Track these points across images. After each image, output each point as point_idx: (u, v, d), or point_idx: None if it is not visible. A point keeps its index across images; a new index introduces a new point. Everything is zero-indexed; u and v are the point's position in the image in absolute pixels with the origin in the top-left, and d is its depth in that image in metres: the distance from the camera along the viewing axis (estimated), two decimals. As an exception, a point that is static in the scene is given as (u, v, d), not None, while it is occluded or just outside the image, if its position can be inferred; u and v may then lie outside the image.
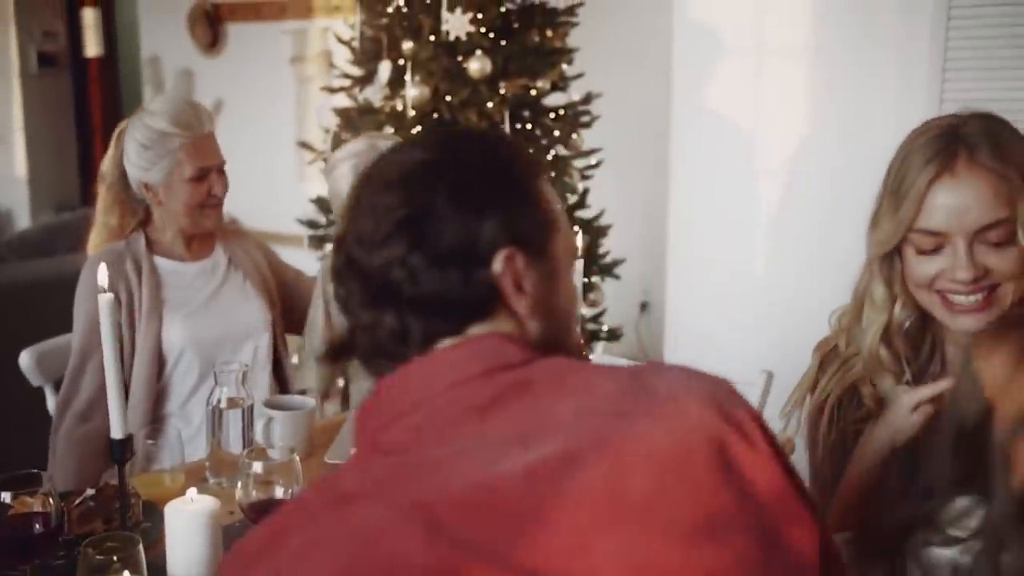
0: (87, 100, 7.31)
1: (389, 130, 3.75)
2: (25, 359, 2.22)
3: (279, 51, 5.91)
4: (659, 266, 4.27)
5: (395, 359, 0.94)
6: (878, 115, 3.34)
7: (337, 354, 1.02)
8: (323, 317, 2.27)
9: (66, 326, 2.30)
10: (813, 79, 3.53)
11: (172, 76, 6.54)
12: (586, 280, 3.93)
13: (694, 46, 3.73)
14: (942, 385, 1.33)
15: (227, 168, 2.27)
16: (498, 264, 0.93)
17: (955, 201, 1.30)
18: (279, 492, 1.43)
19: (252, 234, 2.52)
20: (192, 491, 1.43)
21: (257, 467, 1.41)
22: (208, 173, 2.21)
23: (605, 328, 4.13)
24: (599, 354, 3.97)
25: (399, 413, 0.90)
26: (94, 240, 2.30)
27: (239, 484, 1.42)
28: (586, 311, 4.01)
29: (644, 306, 4.94)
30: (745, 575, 0.79)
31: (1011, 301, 1.32)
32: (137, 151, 2.19)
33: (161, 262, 2.27)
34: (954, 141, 1.33)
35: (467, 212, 0.93)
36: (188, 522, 1.40)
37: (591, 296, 3.93)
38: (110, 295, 1.38)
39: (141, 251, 2.24)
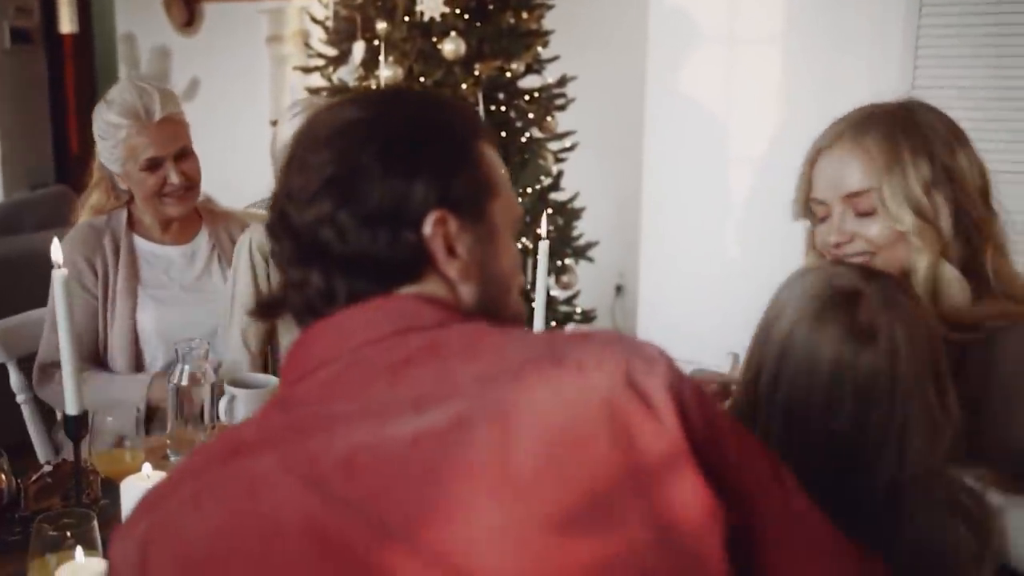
0: (61, 77, 7.23)
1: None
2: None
3: (255, 30, 5.86)
4: (633, 249, 4.28)
5: (323, 317, 0.93)
6: (850, 102, 3.35)
7: (268, 310, 1.02)
8: (251, 284, 2.18)
9: (33, 303, 2.29)
10: (786, 66, 3.54)
11: (147, 54, 6.49)
12: (560, 262, 3.93)
13: (669, 31, 3.74)
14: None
15: (201, 149, 2.24)
16: (428, 226, 0.91)
17: (830, 171, 1.39)
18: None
19: (239, 215, 2.49)
20: (147, 467, 1.43)
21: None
22: (161, 162, 2.17)
23: (579, 310, 4.13)
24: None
25: (310, 368, 0.90)
26: (80, 217, 2.30)
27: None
28: (559, 293, 4.01)
29: (619, 289, 4.95)
30: (636, 561, 0.77)
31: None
32: (98, 140, 2.20)
33: (140, 242, 2.27)
34: (854, 121, 1.40)
35: (397, 172, 0.91)
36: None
37: (564, 278, 3.93)
38: (64, 271, 1.37)
39: (121, 228, 2.24)
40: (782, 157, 3.55)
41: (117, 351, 2.20)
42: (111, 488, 1.61)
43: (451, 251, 0.93)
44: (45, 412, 2.27)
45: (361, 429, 0.82)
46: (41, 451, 2.23)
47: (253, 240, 2.17)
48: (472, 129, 0.99)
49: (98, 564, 1.25)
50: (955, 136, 1.39)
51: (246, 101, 5.86)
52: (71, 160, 7.07)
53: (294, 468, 0.81)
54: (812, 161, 1.42)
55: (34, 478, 1.54)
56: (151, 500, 0.88)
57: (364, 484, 0.79)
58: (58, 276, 1.35)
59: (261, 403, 1.89)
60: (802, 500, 0.90)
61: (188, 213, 2.27)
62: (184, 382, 1.78)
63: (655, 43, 3.65)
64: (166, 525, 0.84)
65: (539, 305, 2.06)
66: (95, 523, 1.30)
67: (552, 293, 3.97)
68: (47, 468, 1.57)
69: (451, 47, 3.55)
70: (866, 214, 1.37)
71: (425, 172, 0.92)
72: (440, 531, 0.77)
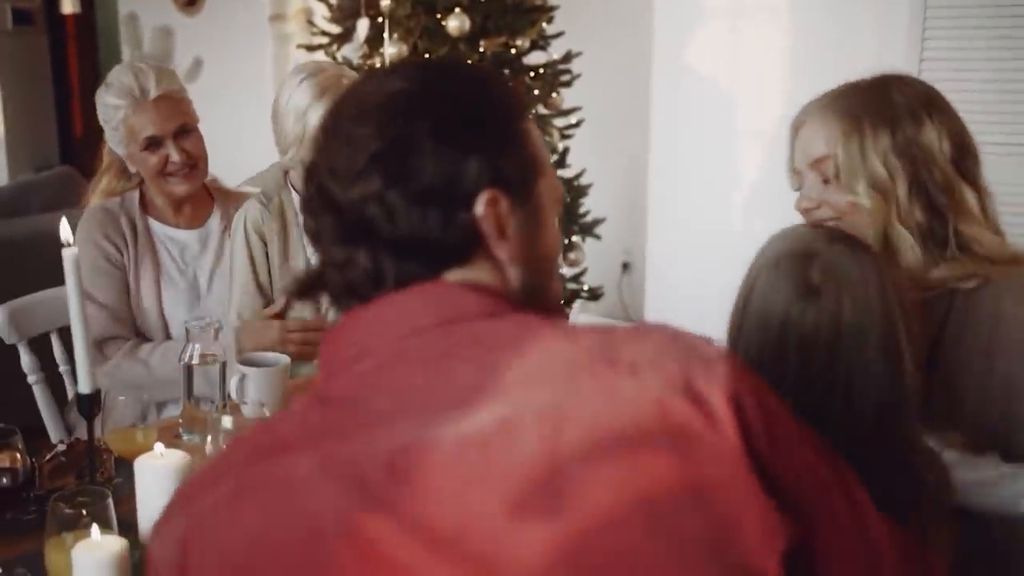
0: (64, 58, 7.21)
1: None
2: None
3: (258, 9, 5.84)
4: (640, 226, 4.27)
5: (366, 300, 0.89)
6: (857, 73, 3.33)
7: (307, 288, 0.95)
8: (248, 264, 2.19)
9: (40, 284, 2.29)
10: (793, 39, 3.52)
11: (150, 34, 6.47)
12: (566, 240, 3.93)
13: (675, 5, 3.71)
14: None
15: (204, 129, 2.22)
16: (480, 206, 0.87)
17: (803, 141, 1.47)
18: (249, 447, 1.43)
19: (250, 195, 2.46)
20: (159, 446, 1.43)
21: (227, 422, 1.41)
22: (161, 141, 2.16)
23: (586, 287, 4.13)
24: (577, 312, 3.98)
25: (347, 360, 0.86)
26: (91, 202, 2.30)
27: (209, 439, 1.42)
28: (567, 270, 4.01)
29: (626, 266, 4.94)
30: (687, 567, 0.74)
31: None
32: (103, 125, 2.20)
33: (155, 225, 2.27)
34: (829, 95, 1.47)
35: (450, 149, 0.86)
36: (157, 476, 1.40)
37: (571, 255, 3.93)
38: (75, 250, 1.37)
39: (135, 210, 2.24)
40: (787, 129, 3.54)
41: (146, 330, 2.22)
42: (124, 467, 1.62)
43: (502, 232, 0.88)
44: (57, 393, 2.27)
45: (403, 429, 0.78)
46: (53, 432, 2.24)
47: (248, 218, 2.18)
48: (518, 105, 0.95)
49: (114, 542, 1.25)
50: (926, 107, 1.42)
51: (249, 80, 5.84)
52: (75, 142, 7.07)
53: (334, 470, 0.77)
54: (793, 135, 1.50)
55: (48, 457, 1.55)
56: (188, 495, 0.86)
57: (406, 488, 0.75)
58: (69, 255, 1.35)
59: (272, 382, 1.89)
60: (870, 513, 0.86)
61: (196, 192, 2.26)
62: (195, 361, 1.78)
63: (661, 18, 3.63)
64: (204, 525, 0.82)
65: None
66: (110, 501, 1.30)
67: (560, 271, 3.96)
68: (61, 447, 1.57)
69: (455, 23, 3.54)
70: (829, 181, 1.43)
71: (478, 149, 0.87)
72: (485, 538, 0.74)
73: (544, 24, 3.81)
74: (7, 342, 2.23)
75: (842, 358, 1.11)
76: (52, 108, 7.18)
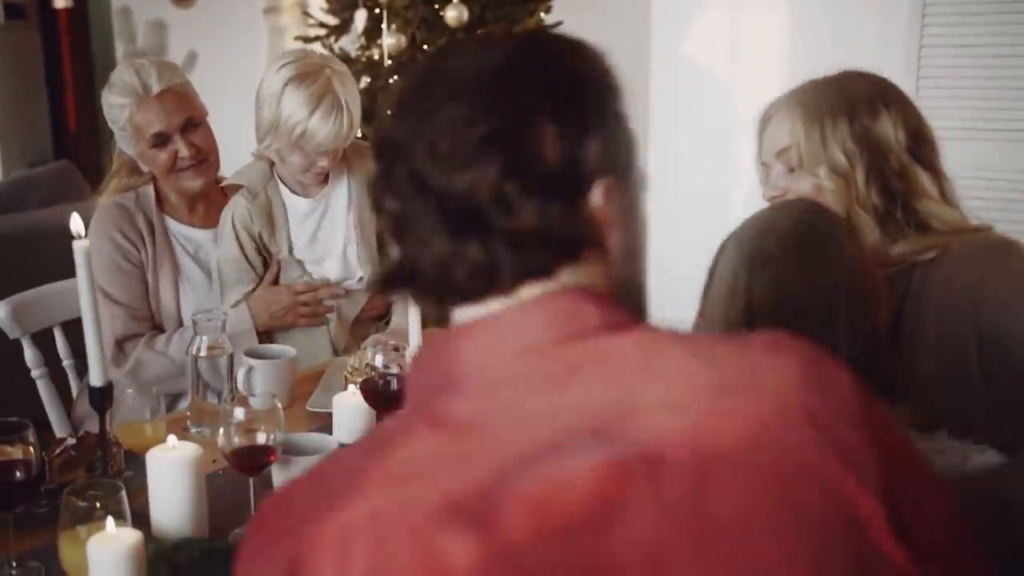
0: (57, 52, 7.18)
1: (361, 81, 3.71)
2: (1, 312, 2.20)
3: (253, 2, 5.81)
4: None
5: (471, 299, 0.81)
6: (857, 63, 3.33)
7: (392, 284, 0.85)
8: (241, 259, 2.16)
9: (40, 279, 2.28)
10: (793, 27, 3.52)
11: (143, 28, 6.43)
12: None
13: (673, -7, 3.70)
14: None
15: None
16: (598, 195, 0.80)
17: (769, 134, 1.56)
18: (261, 438, 1.42)
19: None
20: (172, 438, 1.43)
21: (239, 414, 1.41)
22: (169, 137, 2.13)
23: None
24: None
25: (459, 378, 0.77)
26: (103, 197, 2.26)
27: (221, 431, 1.41)
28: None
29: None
30: None
31: None
32: (110, 125, 2.17)
33: (171, 224, 2.24)
34: (794, 91, 1.56)
35: (570, 131, 0.78)
36: (170, 469, 1.40)
37: (570, 246, 3.93)
38: (85, 242, 1.36)
39: (151, 207, 2.21)
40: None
41: (166, 325, 2.20)
42: (133, 460, 1.61)
43: (613, 224, 0.81)
44: (62, 387, 2.27)
45: (532, 460, 0.70)
46: (58, 426, 2.23)
47: (236, 215, 2.16)
48: (616, 79, 0.86)
49: (129, 534, 1.25)
50: (882, 99, 1.50)
51: (244, 74, 5.80)
52: (69, 136, 7.04)
53: (459, 508, 0.68)
54: (762, 129, 1.59)
55: (58, 451, 1.54)
56: (290, 523, 0.75)
57: (540, 527, 0.67)
58: (80, 247, 1.34)
59: (280, 374, 1.89)
60: (972, 539, 0.80)
61: (210, 190, 2.23)
62: (203, 353, 1.77)
63: (659, 8, 3.62)
64: (315, 567, 0.71)
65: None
66: (123, 494, 1.30)
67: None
68: (71, 441, 1.57)
69: (454, 14, 3.53)
70: (793, 170, 1.52)
71: (594, 132, 0.79)
72: None
73: (542, 14, 3.80)
74: (10, 337, 2.22)
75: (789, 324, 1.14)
76: (45, 103, 7.14)
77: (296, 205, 2.17)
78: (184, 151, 2.14)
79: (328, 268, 2.19)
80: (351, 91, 2.07)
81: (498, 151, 0.77)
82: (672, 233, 3.79)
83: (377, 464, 0.73)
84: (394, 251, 0.83)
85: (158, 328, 2.19)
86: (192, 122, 2.16)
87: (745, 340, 0.79)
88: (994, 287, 1.40)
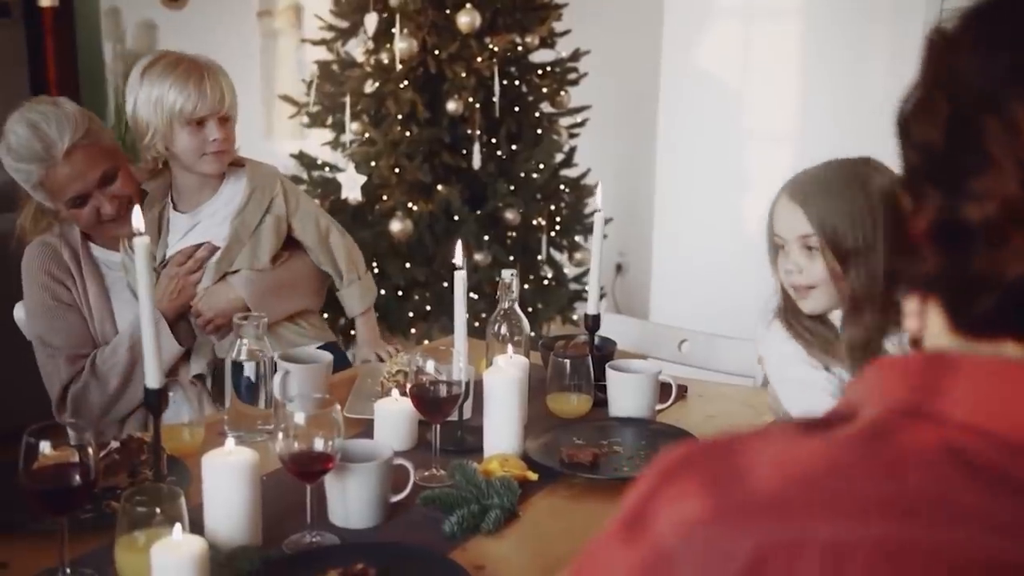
0: (42, 52, 7.06)
1: (369, 85, 3.67)
2: (20, 312, 2.14)
3: (245, 4, 5.76)
4: (639, 227, 4.25)
5: None
6: (870, 76, 3.34)
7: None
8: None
9: None
10: (805, 40, 3.52)
11: (132, 28, 6.35)
12: (563, 240, 3.90)
13: (685, 4, 3.70)
14: None
15: None
16: None
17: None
18: (319, 444, 1.38)
19: None
20: (230, 441, 1.38)
21: (299, 418, 1.36)
22: (88, 195, 1.98)
23: (587, 288, 4.10)
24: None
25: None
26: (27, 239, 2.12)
27: (280, 435, 1.37)
28: (570, 271, 3.98)
29: (619, 268, 4.93)
30: None
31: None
32: (14, 177, 2.02)
33: (97, 252, 2.12)
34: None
35: None
36: (229, 474, 1.35)
37: (577, 256, 3.90)
38: (146, 239, 1.32)
39: (76, 241, 2.10)
40: (800, 133, 3.54)
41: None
42: (175, 464, 1.57)
43: None
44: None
45: None
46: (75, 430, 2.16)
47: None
48: None
49: (195, 542, 1.20)
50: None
51: (236, 78, 5.74)
52: (52, 137, 6.94)
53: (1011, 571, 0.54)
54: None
55: (101, 455, 1.49)
56: (752, 509, 0.59)
57: None
58: (140, 243, 1.30)
59: (315, 379, 1.85)
60: None
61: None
62: (243, 357, 1.73)
63: (671, 17, 3.62)
64: None
65: (593, 279, 2.03)
66: (183, 500, 1.25)
67: (564, 271, 3.94)
68: (114, 444, 1.52)
69: (466, 19, 3.50)
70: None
71: None
72: None
73: (553, 22, 3.78)
74: (28, 337, 2.16)
75: None
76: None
77: (176, 221, 2.10)
78: (107, 207, 2.00)
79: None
80: (213, 65, 2.02)
81: None
82: (677, 245, 3.78)
83: (882, 486, 0.58)
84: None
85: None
86: (109, 174, 1.99)
87: None
88: None
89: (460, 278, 1.72)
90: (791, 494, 0.58)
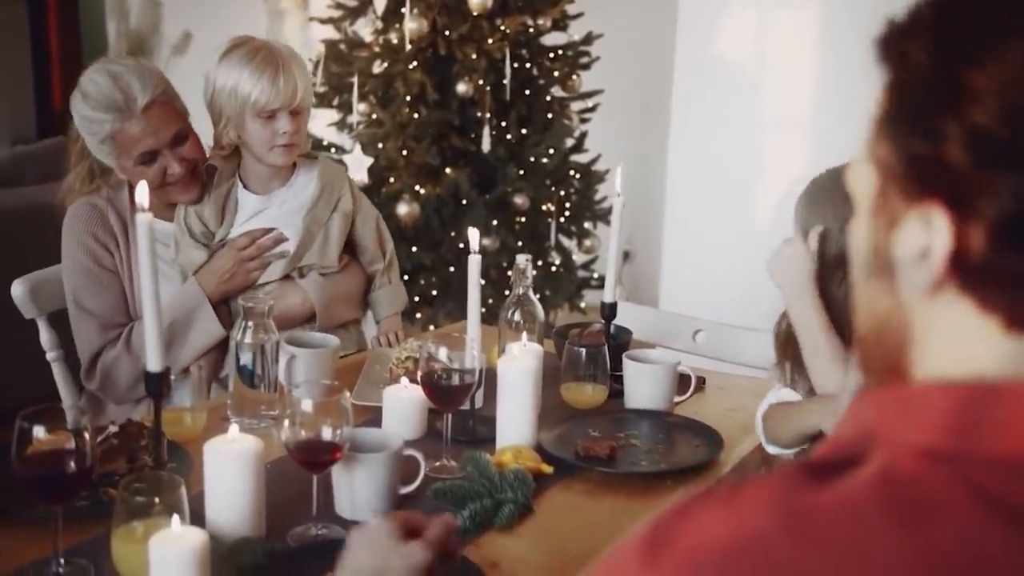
0: (45, 30, 6.99)
1: (377, 65, 3.61)
2: (18, 290, 2.07)
3: (251, -18, 5.69)
4: (648, 214, 4.18)
5: None
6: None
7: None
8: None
9: (37, 255, 2.15)
10: (823, 24, 3.44)
11: (137, 5, 6.28)
12: (572, 226, 3.84)
13: (701, -13, 3.61)
14: None
15: (191, 108, 2.01)
16: None
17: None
18: (327, 433, 1.32)
19: None
20: (234, 428, 1.32)
21: (307, 405, 1.30)
22: (158, 153, 1.94)
23: (595, 276, 4.04)
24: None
25: None
26: (71, 194, 2.05)
27: (286, 422, 1.31)
28: (579, 257, 3.92)
29: (626, 255, 4.86)
30: None
31: None
32: (82, 133, 1.96)
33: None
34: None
35: None
36: (232, 462, 1.29)
37: (586, 243, 3.84)
38: (150, 214, 1.25)
39: (125, 208, 2.02)
40: (818, 120, 3.47)
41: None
42: (176, 450, 1.51)
43: None
44: (76, 372, 2.15)
45: None
46: (71, 412, 2.10)
47: (191, 207, 2.02)
48: None
49: (195, 533, 1.14)
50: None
51: (241, 57, 5.68)
52: (54, 115, 6.85)
53: None
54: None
55: (99, 439, 1.43)
56: None
57: None
58: (143, 220, 1.23)
59: (322, 363, 1.79)
60: None
61: (195, 197, 2.03)
62: (248, 339, 1.66)
63: (686, 0, 3.53)
64: None
65: (611, 265, 1.96)
66: (183, 489, 1.19)
67: (573, 257, 3.88)
68: (112, 429, 1.46)
69: (477, 0, 3.42)
70: None
71: None
72: None
73: (565, 4, 3.71)
74: (26, 316, 2.10)
75: None
76: (30, 80, 6.95)
77: (246, 200, 2.04)
78: (175, 168, 1.95)
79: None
80: (291, 56, 1.97)
81: None
82: (688, 235, 3.71)
83: (907, 542, 0.53)
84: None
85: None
86: (181, 135, 1.96)
87: None
88: None
89: (474, 263, 1.66)
90: (815, 559, 0.54)
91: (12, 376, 2.82)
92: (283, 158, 1.99)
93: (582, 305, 3.94)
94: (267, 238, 2.01)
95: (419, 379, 1.59)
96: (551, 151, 3.65)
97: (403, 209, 3.45)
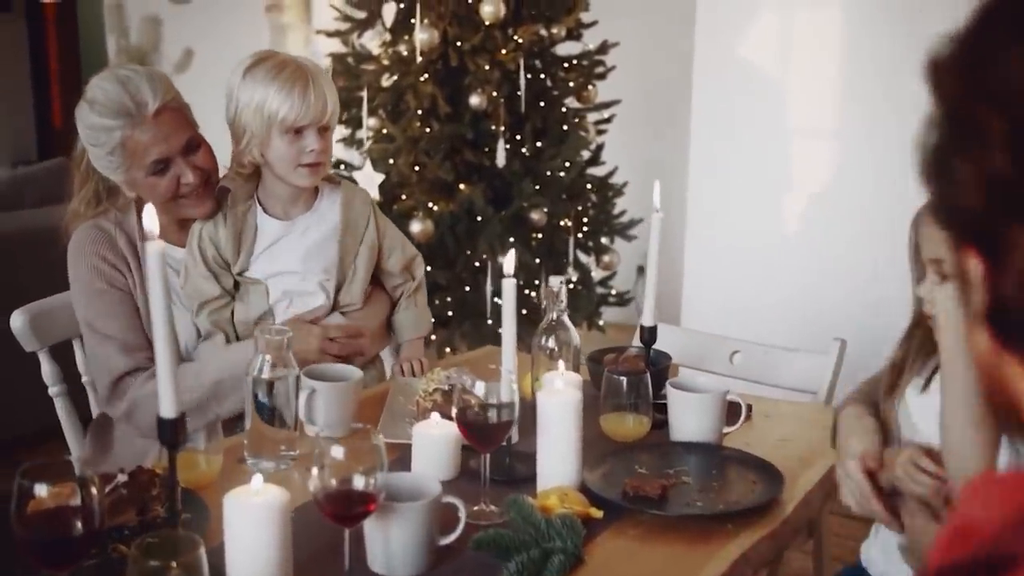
0: (44, 47, 6.90)
1: (387, 79, 3.49)
2: (18, 322, 1.95)
3: (253, -3, 5.59)
4: (669, 229, 4.06)
5: None
6: (917, 69, 3.14)
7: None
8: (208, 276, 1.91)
9: (36, 280, 2.04)
10: (847, 30, 3.33)
11: (137, 23, 6.18)
12: (590, 242, 3.72)
13: (720, -7, 3.50)
14: None
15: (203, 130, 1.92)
16: None
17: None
18: (359, 481, 1.19)
19: None
20: (258, 479, 1.20)
21: (337, 452, 1.18)
22: (171, 161, 1.84)
23: (613, 292, 3.92)
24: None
25: None
26: (76, 219, 1.95)
27: (315, 471, 1.18)
28: (598, 273, 3.80)
29: (641, 270, 4.74)
30: None
31: None
32: (88, 146, 1.86)
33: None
34: None
35: None
36: (255, 517, 1.17)
37: (605, 258, 3.72)
38: (160, 242, 1.13)
39: (133, 231, 1.92)
40: (842, 130, 3.35)
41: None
42: (190, 499, 1.38)
43: None
44: (80, 406, 2.03)
45: None
46: (75, 450, 1.99)
47: (204, 225, 1.91)
48: None
49: (218, 603, 1.02)
50: None
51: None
52: (54, 135, 6.76)
53: None
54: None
55: (107, 489, 1.31)
56: None
57: None
58: (153, 249, 1.11)
59: (344, 398, 1.67)
60: None
61: (209, 211, 1.92)
62: (264, 374, 1.54)
63: (704, 6, 3.42)
64: None
65: (650, 283, 1.84)
66: (202, 549, 1.07)
67: (592, 274, 3.76)
68: (122, 478, 1.34)
69: (489, 9, 3.32)
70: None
71: None
72: None
73: (580, 12, 3.60)
74: (27, 349, 1.98)
75: None
76: (30, 100, 6.86)
77: (265, 225, 1.93)
78: (189, 176, 1.85)
79: (281, 282, 1.93)
80: (318, 71, 1.87)
81: None
82: (711, 248, 3.59)
83: None
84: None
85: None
86: (193, 143, 1.88)
87: None
88: None
89: (509, 288, 1.53)
90: None
91: (11, 406, 2.71)
92: (308, 179, 1.88)
93: (600, 323, 3.82)
94: (356, 341, 1.91)
95: (454, 416, 1.46)
96: (567, 164, 3.54)
97: (416, 227, 3.33)
